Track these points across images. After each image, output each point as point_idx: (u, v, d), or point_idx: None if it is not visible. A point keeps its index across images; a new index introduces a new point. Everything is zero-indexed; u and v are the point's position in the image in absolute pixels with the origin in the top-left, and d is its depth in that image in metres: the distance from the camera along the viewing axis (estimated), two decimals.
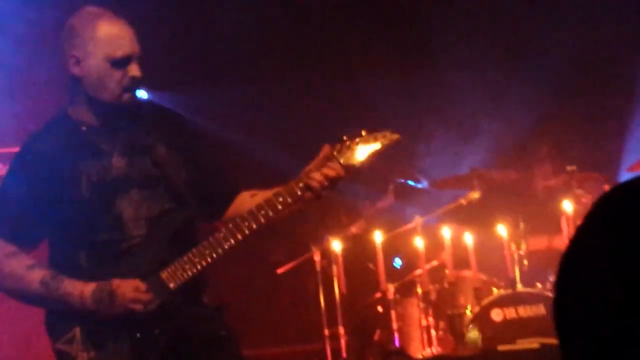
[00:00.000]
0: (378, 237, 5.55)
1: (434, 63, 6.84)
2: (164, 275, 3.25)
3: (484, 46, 6.78)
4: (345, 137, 3.28)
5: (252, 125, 6.93)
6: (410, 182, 6.40)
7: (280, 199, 3.22)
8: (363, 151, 3.31)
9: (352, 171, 3.31)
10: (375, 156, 3.32)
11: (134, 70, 3.25)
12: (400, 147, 3.42)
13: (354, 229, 6.15)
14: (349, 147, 3.30)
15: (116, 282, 3.20)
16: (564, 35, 6.67)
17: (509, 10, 6.87)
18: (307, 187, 3.20)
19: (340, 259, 5.60)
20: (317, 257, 5.62)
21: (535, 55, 6.92)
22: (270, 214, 3.25)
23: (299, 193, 3.23)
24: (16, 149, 4.21)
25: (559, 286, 1.28)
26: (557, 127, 6.64)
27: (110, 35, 3.29)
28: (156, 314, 3.25)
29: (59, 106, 3.89)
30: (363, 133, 3.30)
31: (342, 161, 3.27)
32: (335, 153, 3.27)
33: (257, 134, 6.81)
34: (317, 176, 3.20)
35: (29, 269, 3.28)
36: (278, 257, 6.41)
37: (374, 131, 3.32)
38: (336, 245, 5.61)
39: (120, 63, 3.26)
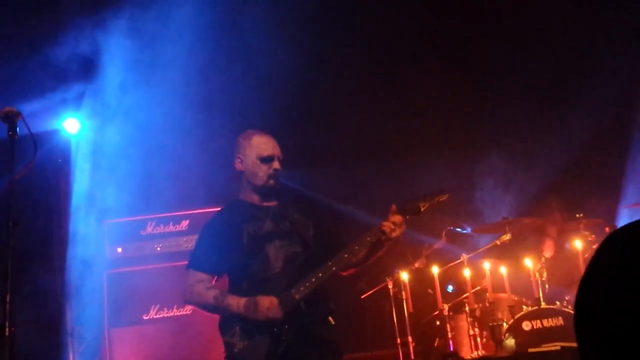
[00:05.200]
0: (435, 270, 5.96)
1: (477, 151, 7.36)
2: (293, 290, 3.83)
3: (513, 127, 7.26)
4: (407, 199, 3.92)
5: (351, 195, 7.29)
6: (458, 229, 6.81)
7: (368, 238, 3.85)
8: (419, 206, 3.91)
9: (410, 219, 3.86)
10: (427, 209, 3.89)
11: (276, 165, 4.01)
12: (450, 204, 3.98)
13: (417, 264, 6.51)
14: (409, 205, 3.89)
15: (259, 298, 3.80)
16: (575, 116, 7.15)
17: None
18: (382, 231, 3.82)
19: (408, 287, 5.97)
20: (390, 286, 6.08)
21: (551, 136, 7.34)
22: (358, 248, 3.83)
23: (377, 235, 3.83)
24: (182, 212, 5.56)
25: (578, 301, 1.30)
26: (566, 185, 7.01)
27: (260, 142, 4.05)
28: (287, 316, 3.79)
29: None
30: (420, 196, 3.94)
31: (403, 214, 3.86)
32: (398, 209, 3.88)
33: (354, 202, 7.11)
34: (387, 223, 3.82)
35: (208, 289, 3.93)
36: (362, 286, 6.74)
37: (428, 193, 3.95)
38: (404, 276, 6.01)
39: (266, 160, 4.01)
